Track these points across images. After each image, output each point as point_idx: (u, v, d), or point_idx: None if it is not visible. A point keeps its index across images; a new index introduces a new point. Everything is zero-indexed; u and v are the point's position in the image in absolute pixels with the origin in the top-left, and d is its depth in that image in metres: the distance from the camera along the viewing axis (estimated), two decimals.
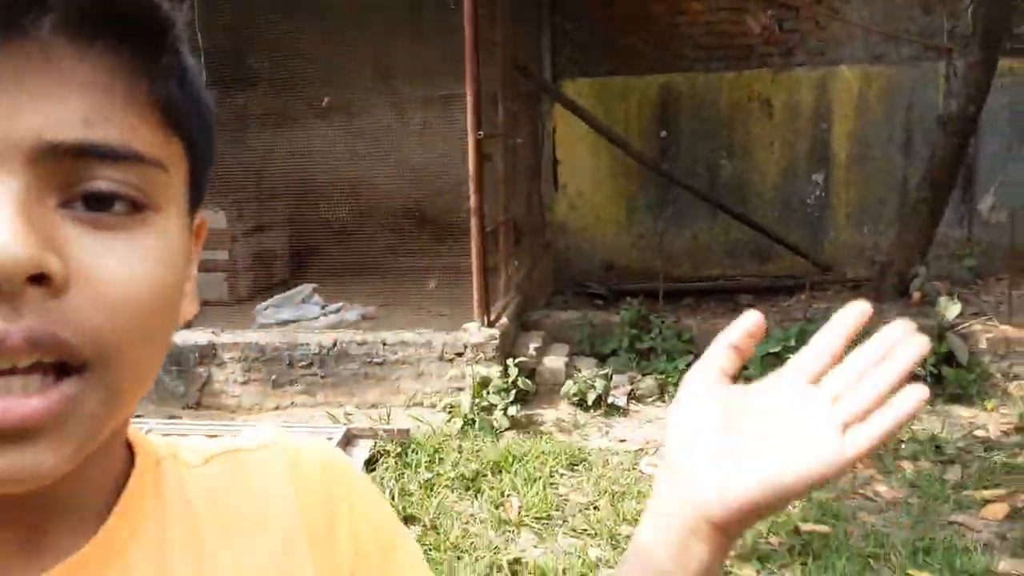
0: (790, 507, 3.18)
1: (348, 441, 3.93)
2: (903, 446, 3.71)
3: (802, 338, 4.36)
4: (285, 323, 4.94)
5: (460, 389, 4.25)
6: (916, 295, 4.87)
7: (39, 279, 0.37)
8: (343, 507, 0.55)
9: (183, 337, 4.66)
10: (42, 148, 0.38)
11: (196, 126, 0.44)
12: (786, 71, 6.19)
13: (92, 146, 0.38)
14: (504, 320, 4.62)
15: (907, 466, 3.53)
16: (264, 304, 5.10)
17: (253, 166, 5.47)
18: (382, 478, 3.58)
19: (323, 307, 5.16)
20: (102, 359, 0.39)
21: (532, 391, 4.31)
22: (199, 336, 4.67)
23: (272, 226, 5.91)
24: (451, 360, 4.39)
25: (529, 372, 4.37)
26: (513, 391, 4.10)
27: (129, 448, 0.50)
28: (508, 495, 3.38)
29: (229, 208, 5.54)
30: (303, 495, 0.53)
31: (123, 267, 0.39)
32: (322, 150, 6.01)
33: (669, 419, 0.57)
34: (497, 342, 4.35)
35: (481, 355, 4.32)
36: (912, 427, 3.91)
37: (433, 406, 4.28)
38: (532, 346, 4.58)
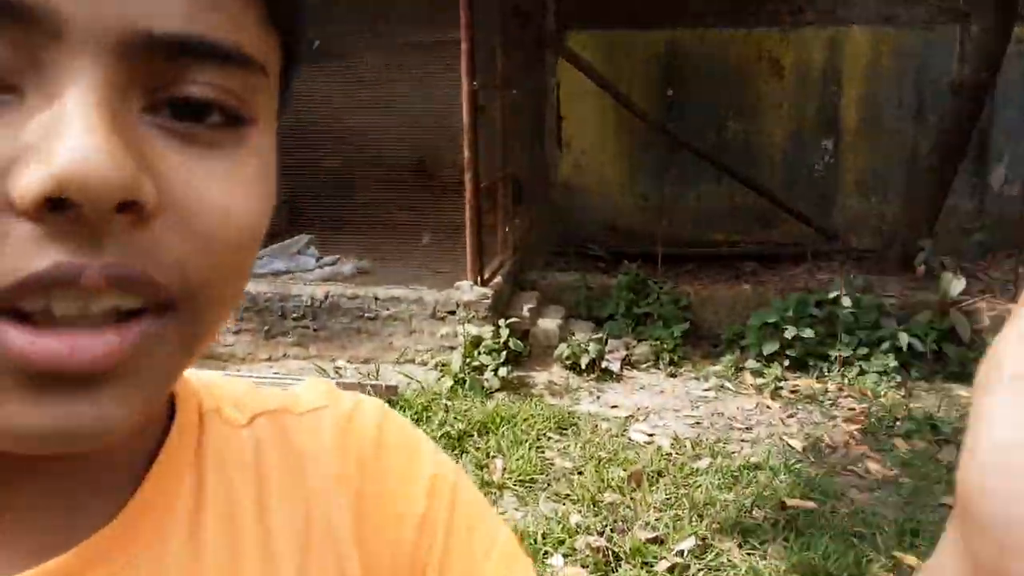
0: (776, 480, 3.15)
1: None
2: (898, 424, 3.66)
3: (800, 308, 4.28)
4: (279, 273, 4.87)
5: (452, 348, 4.19)
6: (920, 269, 4.77)
7: (127, 206, 0.30)
8: (392, 481, 0.48)
9: None
10: (135, 39, 0.30)
11: (297, 16, 0.36)
12: (796, 30, 5.98)
13: (197, 41, 0.31)
14: (498, 279, 4.54)
15: (901, 444, 3.48)
16: (258, 253, 5.01)
17: None
18: None
19: (318, 259, 5.09)
20: (189, 299, 0.33)
21: (525, 352, 4.26)
22: None
23: None
24: (443, 318, 4.33)
25: (522, 333, 4.31)
26: (504, 352, 4.05)
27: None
28: (493, 457, 3.36)
29: None
30: (350, 469, 0.47)
31: (219, 194, 0.33)
32: (318, 97, 5.85)
33: (976, 434, 0.27)
34: (489, 301, 4.28)
35: (473, 314, 4.26)
36: (908, 405, 3.86)
37: (424, 364, 4.24)
38: (527, 307, 4.51)
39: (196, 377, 0.47)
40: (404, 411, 3.73)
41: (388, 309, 4.42)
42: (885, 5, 5.84)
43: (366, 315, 4.45)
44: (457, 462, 2.82)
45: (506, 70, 4.92)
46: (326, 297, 4.48)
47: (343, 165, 5.98)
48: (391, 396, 3.84)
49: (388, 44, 6.16)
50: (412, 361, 4.32)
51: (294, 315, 4.51)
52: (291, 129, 5.79)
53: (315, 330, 4.49)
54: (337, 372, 4.21)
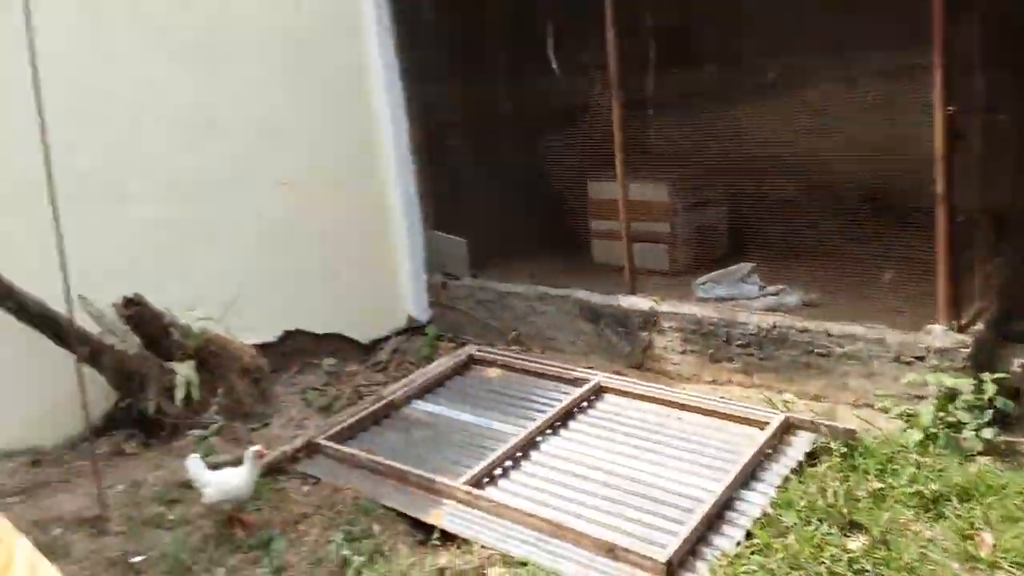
0: None
1: (786, 430, 3.85)
2: None
3: None
4: (722, 299, 4.98)
5: (919, 398, 3.84)
6: None
7: None
8: None
9: (629, 302, 5.01)
10: None
11: None
12: None
13: None
14: (979, 326, 4.03)
15: None
16: (703, 278, 5.19)
17: (695, 142, 5.54)
18: (824, 476, 3.44)
19: (761, 287, 5.07)
20: None
21: (1015, 414, 3.71)
22: (642, 302, 4.98)
23: (712, 201, 5.95)
24: (908, 363, 3.99)
25: (1012, 392, 3.76)
26: (989, 411, 3.57)
27: None
28: (979, 528, 2.99)
29: (671, 182, 5.74)
30: None
31: None
32: (766, 126, 5.85)
33: None
34: (969, 351, 3.83)
35: (947, 363, 3.84)
36: None
37: (885, 411, 3.95)
38: (1017, 362, 3.92)
39: None
40: (864, 459, 3.54)
41: (842, 347, 4.21)
42: None
43: (816, 350, 4.31)
44: (933, 525, 2.55)
45: (988, 91, 4.36)
46: (773, 327, 4.45)
47: (789, 194, 5.88)
48: (849, 439, 3.66)
49: (844, 71, 5.92)
50: (869, 406, 4.06)
51: (739, 342, 4.56)
52: (736, 158, 5.90)
53: (760, 359, 4.49)
54: (786, 405, 4.15)
